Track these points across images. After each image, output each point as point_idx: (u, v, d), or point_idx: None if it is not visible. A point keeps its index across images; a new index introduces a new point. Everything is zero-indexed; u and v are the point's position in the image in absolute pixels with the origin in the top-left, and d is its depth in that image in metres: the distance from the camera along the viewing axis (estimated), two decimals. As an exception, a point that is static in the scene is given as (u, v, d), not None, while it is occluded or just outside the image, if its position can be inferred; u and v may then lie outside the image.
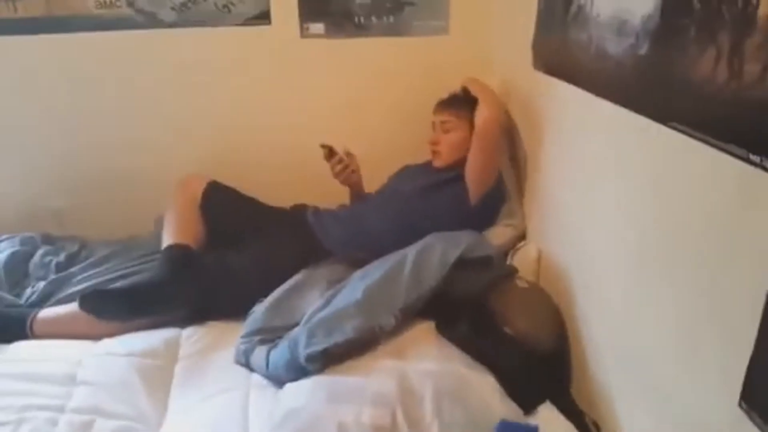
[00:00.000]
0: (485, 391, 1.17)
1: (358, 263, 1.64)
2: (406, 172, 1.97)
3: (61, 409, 1.24)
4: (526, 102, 1.76)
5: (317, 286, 1.57)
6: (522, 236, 1.77)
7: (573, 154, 1.42)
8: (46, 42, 1.94)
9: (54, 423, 1.20)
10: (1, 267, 1.77)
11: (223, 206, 1.85)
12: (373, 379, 1.19)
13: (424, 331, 1.40)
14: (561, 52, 1.43)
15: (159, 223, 1.85)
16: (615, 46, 1.13)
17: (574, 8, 1.34)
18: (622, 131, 1.14)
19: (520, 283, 1.49)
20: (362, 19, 2.02)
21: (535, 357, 1.33)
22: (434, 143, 1.84)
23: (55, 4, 1.92)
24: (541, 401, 1.22)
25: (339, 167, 1.85)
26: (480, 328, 1.38)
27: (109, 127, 2.07)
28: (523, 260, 1.63)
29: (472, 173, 1.72)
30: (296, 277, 1.62)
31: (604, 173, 1.24)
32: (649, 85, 1.02)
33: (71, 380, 1.33)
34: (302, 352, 1.25)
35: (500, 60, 1.98)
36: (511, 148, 1.85)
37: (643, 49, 1.02)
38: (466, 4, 2.02)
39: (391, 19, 2.02)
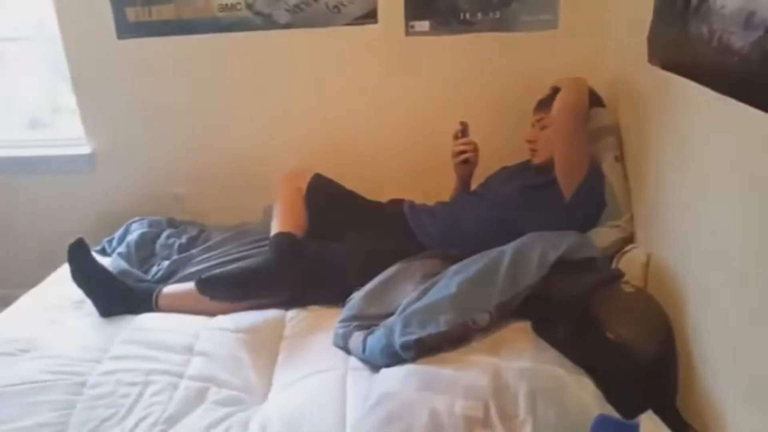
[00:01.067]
0: (583, 394, 1.14)
1: (452, 259, 1.65)
2: (504, 174, 1.95)
3: (180, 375, 1.37)
4: (638, 99, 1.68)
5: (412, 278, 1.60)
6: (630, 239, 1.69)
7: (689, 155, 1.34)
8: (176, 42, 2.13)
9: (175, 387, 1.33)
10: (133, 246, 1.97)
11: (326, 198, 1.94)
12: (467, 372, 1.20)
13: (520, 330, 1.38)
14: (680, 46, 1.35)
15: (268, 213, 1.98)
16: (740, 40, 1.05)
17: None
18: (746, 131, 1.07)
19: (626, 288, 1.43)
20: (468, 15, 2.01)
21: (638, 364, 1.28)
22: (531, 141, 1.82)
23: (184, 8, 2.09)
24: (643, 410, 1.17)
25: (460, 148, 1.87)
26: (581, 332, 1.34)
27: (226, 121, 2.24)
28: (630, 264, 1.56)
29: (558, 165, 1.69)
30: (392, 269, 1.66)
31: (725, 176, 1.16)
32: (778, 81, 0.94)
33: (189, 350, 1.47)
34: (397, 340, 1.29)
35: (612, 55, 1.90)
36: (620, 146, 1.78)
37: (774, 43, 0.95)
38: (576, -3, 1.96)
39: (498, 14, 2.00)
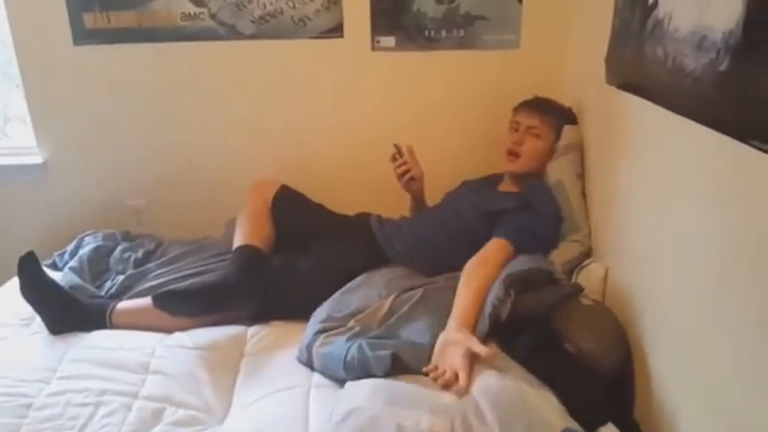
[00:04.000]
0: (546, 409, 1.15)
1: (417, 269, 1.66)
2: (465, 189, 1.96)
3: (135, 396, 1.32)
4: (597, 118, 1.73)
5: (375, 284, 1.61)
6: (588, 253, 1.73)
7: (646, 172, 1.38)
8: (135, 51, 2.08)
9: (128, 408, 1.28)
10: (86, 260, 1.90)
11: (292, 211, 1.92)
12: (432, 389, 1.20)
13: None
14: (636, 67, 1.40)
15: (230, 226, 1.94)
16: (693, 62, 1.10)
17: (650, 22, 1.31)
18: (699, 150, 1.11)
19: (585, 302, 1.46)
20: (433, 33, 2.05)
21: (596, 376, 1.30)
22: (517, 143, 1.81)
23: (145, 16, 2.05)
24: (603, 422, 1.18)
25: (401, 170, 1.88)
26: (542, 345, 1.36)
27: (188, 132, 2.20)
28: (588, 278, 1.60)
29: None
30: (357, 279, 1.66)
31: (681, 193, 1.20)
32: (728, 102, 0.98)
33: (145, 369, 1.41)
34: (370, 352, 1.28)
35: (573, 75, 1.95)
36: (580, 164, 1.82)
37: (723, 66, 0.99)
38: (537, 18, 2.01)
39: (462, 32, 2.04)
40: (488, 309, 1.39)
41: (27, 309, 1.65)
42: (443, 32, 2.04)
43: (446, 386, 1.22)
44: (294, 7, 2.02)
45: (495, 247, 1.61)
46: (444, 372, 1.25)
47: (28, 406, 1.26)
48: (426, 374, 1.27)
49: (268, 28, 2.06)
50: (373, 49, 2.08)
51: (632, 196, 1.47)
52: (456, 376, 1.23)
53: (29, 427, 1.20)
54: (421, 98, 2.13)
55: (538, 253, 1.61)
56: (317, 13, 2.03)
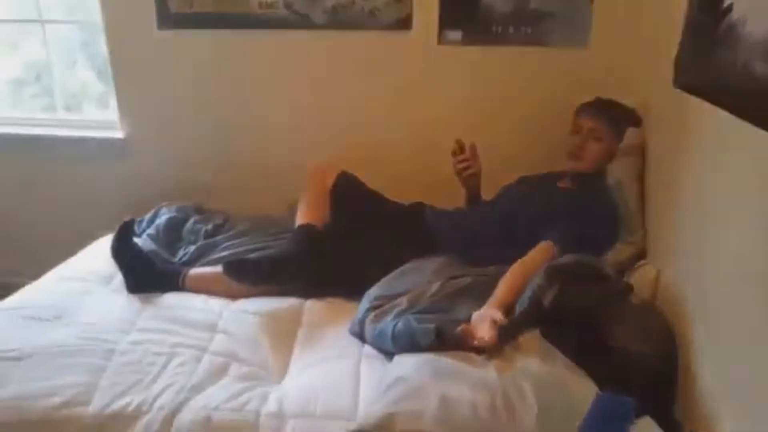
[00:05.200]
0: (586, 394, 1.19)
1: (468, 260, 1.73)
2: (523, 185, 1.99)
3: (204, 350, 1.45)
4: (662, 120, 1.73)
5: (425, 270, 1.69)
6: (641, 255, 1.74)
7: (708, 177, 1.38)
8: (214, 36, 2.21)
9: (198, 360, 1.40)
10: (162, 229, 2.05)
11: (350, 195, 2.01)
12: (477, 366, 1.26)
13: (531, 337, 1.42)
14: (705, 71, 1.39)
15: (292, 206, 2.05)
16: (763, 68, 1.10)
17: (723, 26, 1.31)
18: (765, 157, 1.11)
19: (635, 301, 1.48)
20: (500, 28, 2.07)
21: (641, 374, 1.32)
22: (579, 147, 1.83)
23: (224, 2, 2.17)
24: (640, 415, 1.21)
25: (461, 165, 1.93)
26: (588, 341, 1.39)
27: (258, 115, 2.32)
28: (640, 279, 1.61)
29: None
30: (408, 265, 1.74)
31: (739, 200, 1.20)
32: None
33: (212, 328, 1.54)
34: (416, 325, 1.35)
35: (639, 76, 1.95)
36: (641, 166, 1.82)
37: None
38: (608, 18, 2.01)
39: (530, 29, 2.06)
40: (527, 293, 1.43)
41: (107, 268, 1.82)
42: (511, 28, 2.07)
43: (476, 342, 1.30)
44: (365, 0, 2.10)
45: (543, 249, 1.65)
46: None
47: (112, 351, 1.40)
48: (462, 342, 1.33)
49: (339, 18, 2.14)
50: (440, 42, 2.12)
51: (692, 200, 1.47)
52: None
53: (113, 369, 1.35)
54: (485, 93, 2.17)
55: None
56: (387, 5, 2.10)
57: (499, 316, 1.37)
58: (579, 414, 1.11)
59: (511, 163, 2.07)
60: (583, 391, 1.20)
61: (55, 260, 1.95)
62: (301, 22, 2.16)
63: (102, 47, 2.32)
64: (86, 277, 1.80)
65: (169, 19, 2.20)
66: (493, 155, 2.01)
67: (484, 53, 2.12)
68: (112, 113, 2.42)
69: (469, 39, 2.11)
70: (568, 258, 1.53)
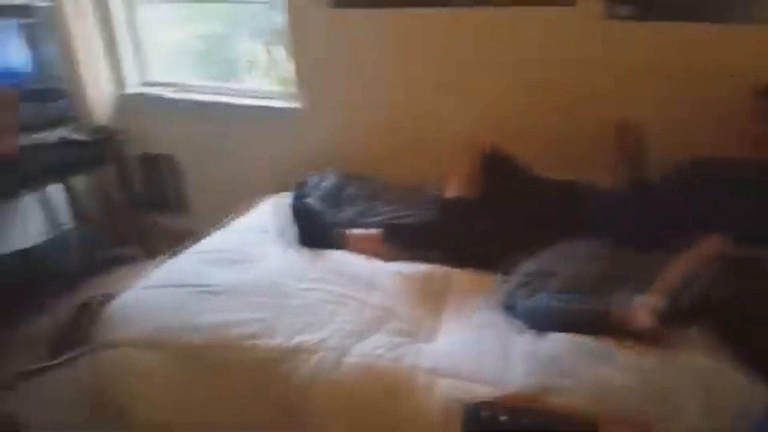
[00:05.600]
0: (757, 400, 1.14)
1: (631, 243, 1.69)
2: (698, 172, 1.85)
3: (364, 302, 1.61)
4: None
5: (584, 250, 1.69)
6: None
7: None
8: (384, 15, 2.35)
9: (361, 310, 1.58)
10: (328, 192, 2.27)
11: (501, 169, 2.05)
12: (638, 355, 1.27)
13: (695, 331, 1.38)
14: None
15: (443, 178, 2.13)
16: None
17: None
18: None
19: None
20: (675, 2, 1.94)
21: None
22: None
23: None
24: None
25: (624, 144, 1.88)
26: (763, 345, 1.31)
27: (417, 91, 2.43)
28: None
29: None
30: (567, 244, 1.75)
31: None
32: None
33: (371, 284, 1.71)
34: (571, 306, 1.39)
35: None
36: None
37: None
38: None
39: (711, 4, 1.91)
40: (696, 285, 1.39)
41: (279, 222, 2.07)
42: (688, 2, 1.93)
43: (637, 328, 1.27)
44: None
45: (715, 241, 1.57)
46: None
47: (290, 295, 1.62)
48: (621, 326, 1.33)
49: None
50: (607, 17, 2.05)
51: None
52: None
53: (290, 311, 1.56)
54: (655, 74, 2.06)
55: None
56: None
57: (663, 304, 1.34)
58: (746, 419, 1.08)
59: (682, 145, 1.94)
60: (755, 396, 1.16)
61: (238, 211, 2.24)
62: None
63: (275, 22, 2.55)
64: (265, 229, 2.07)
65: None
66: (662, 136, 1.92)
67: (656, 30, 2.00)
68: (285, 85, 2.68)
69: (642, 14, 2.00)
70: (744, 253, 1.45)
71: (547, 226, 1.89)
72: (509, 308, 1.59)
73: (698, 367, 1.20)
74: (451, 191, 2.02)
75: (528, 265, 1.68)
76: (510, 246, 1.82)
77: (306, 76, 2.61)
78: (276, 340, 1.45)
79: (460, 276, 1.81)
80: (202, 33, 3.07)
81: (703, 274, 1.40)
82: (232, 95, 2.87)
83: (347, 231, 2.00)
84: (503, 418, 1.13)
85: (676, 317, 1.36)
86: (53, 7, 2.53)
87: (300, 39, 2.55)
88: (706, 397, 1.14)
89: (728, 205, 1.64)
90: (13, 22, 2.33)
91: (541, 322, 1.46)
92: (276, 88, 2.85)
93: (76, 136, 2.62)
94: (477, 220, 1.92)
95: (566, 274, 1.57)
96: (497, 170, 2.05)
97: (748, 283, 1.39)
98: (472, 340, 1.47)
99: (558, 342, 1.33)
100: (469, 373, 1.35)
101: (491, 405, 1.15)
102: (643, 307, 1.34)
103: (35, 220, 2.81)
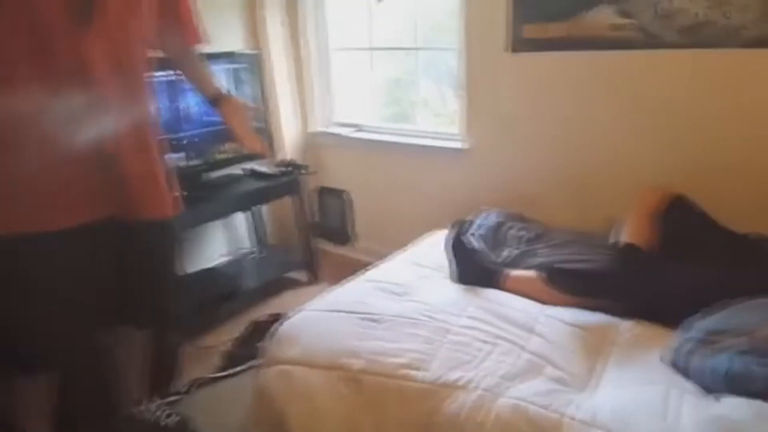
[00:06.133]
0: None
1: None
2: None
3: (522, 348, 1.59)
4: None
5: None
6: None
7: None
8: (556, 58, 2.35)
9: (517, 355, 1.55)
10: (489, 231, 2.28)
11: (683, 220, 1.91)
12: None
13: None
14: None
15: (609, 223, 2.05)
16: None
17: None
18: None
19: None
20: None
21: None
22: None
23: (575, 26, 2.27)
24: None
25: None
26: None
27: (586, 132, 2.39)
28: None
29: None
30: (757, 300, 1.56)
31: None
32: None
33: (530, 330, 1.67)
34: (759, 371, 1.24)
35: None
36: None
37: None
38: None
39: None
40: None
41: (439, 258, 2.11)
42: None
43: None
44: (728, 17, 1.95)
45: None
46: None
47: (447, 330, 1.65)
48: None
49: (695, 37, 2.03)
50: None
51: None
52: None
53: (447, 346, 1.58)
54: None
55: None
56: (755, 22, 1.91)
57: None
58: None
59: None
60: None
61: (398, 245, 2.36)
62: (651, 42, 2.12)
63: (448, 67, 2.68)
64: (426, 264, 2.14)
65: (519, 43, 2.42)
66: None
67: None
68: (445, 124, 2.79)
69: None
70: None
71: (734, 281, 1.71)
72: (683, 368, 1.45)
73: None
74: (626, 238, 1.91)
75: (710, 321, 1.53)
76: (692, 301, 1.67)
77: (476, 119, 2.68)
78: (428, 374, 1.49)
79: (630, 328, 1.71)
80: (386, 77, 3.32)
81: None
82: (404, 135, 3.04)
83: (506, 271, 1.98)
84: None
85: None
86: (257, 55, 2.91)
87: (473, 83, 2.63)
88: None
89: None
90: (222, 67, 2.72)
91: (719, 386, 1.32)
92: (447, 129, 2.96)
93: (263, 169, 2.95)
94: (657, 270, 1.79)
95: (758, 334, 1.39)
96: (681, 218, 1.91)
97: None
98: (633, 396, 1.37)
99: (738, 407, 1.18)
100: (624, 429, 1.26)
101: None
102: None
103: (220, 242, 3.19)
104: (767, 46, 1.91)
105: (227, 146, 2.74)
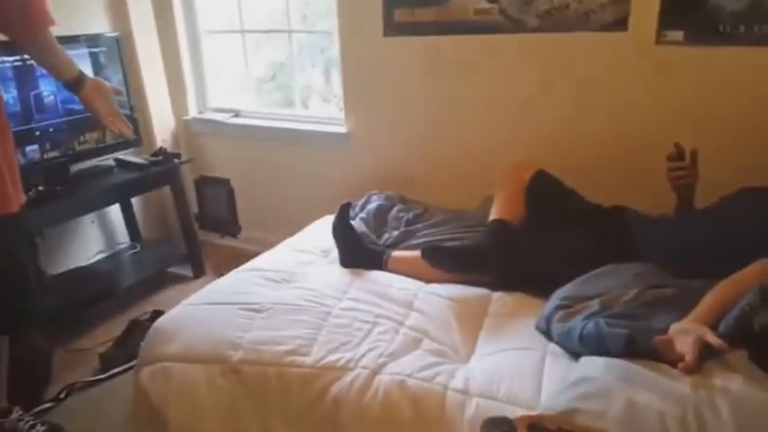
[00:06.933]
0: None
1: (672, 270, 1.65)
2: (744, 198, 1.80)
3: (401, 324, 1.63)
4: None
5: (623, 275, 1.65)
6: None
7: None
8: (430, 41, 2.41)
9: (396, 331, 1.59)
10: (372, 214, 2.31)
11: (546, 194, 2.03)
12: (670, 378, 1.23)
13: (733, 356, 1.34)
14: None
15: (486, 203, 2.14)
16: None
17: None
18: None
19: None
20: (729, 28, 1.92)
21: None
22: None
23: (443, 12, 2.34)
24: None
25: (677, 173, 1.84)
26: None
27: (461, 115, 2.47)
28: None
29: None
30: (605, 267, 1.72)
31: None
32: None
33: (409, 306, 1.72)
34: (606, 330, 1.36)
35: None
36: None
37: None
38: None
39: (765, 28, 1.87)
40: (735, 312, 1.33)
41: (325, 243, 2.12)
42: (742, 27, 1.90)
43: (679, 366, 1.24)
44: (580, 1, 2.10)
45: (758, 268, 1.51)
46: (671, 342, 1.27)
47: (328, 314, 1.66)
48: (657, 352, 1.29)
49: (552, 21, 2.17)
50: (658, 42, 2.04)
51: None
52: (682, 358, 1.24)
53: (328, 329, 1.59)
54: (705, 96, 2.03)
55: None
56: (603, 6, 2.08)
57: (712, 338, 1.26)
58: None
59: (731, 173, 1.90)
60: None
61: (286, 233, 2.33)
62: (513, 26, 2.24)
63: (327, 52, 2.67)
64: (309, 250, 2.12)
65: (390, 27, 2.45)
66: (713, 163, 1.87)
67: (707, 55, 1.98)
68: (334, 109, 2.78)
69: (692, 39, 1.98)
70: None
71: (593, 251, 1.86)
72: (546, 332, 1.56)
73: (734, 394, 1.15)
74: (494, 214, 2.01)
75: (567, 289, 1.66)
76: (554, 270, 1.81)
77: (355, 104, 2.69)
78: (311, 359, 1.48)
79: (501, 299, 1.81)
80: (263, 61, 3.23)
81: (743, 301, 1.34)
82: (285, 120, 2.99)
83: (388, 251, 2.02)
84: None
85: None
86: (119, 37, 2.72)
87: (351, 66, 2.64)
88: (741, 424, 1.09)
89: None
90: (83, 51, 2.52)
91: (575, 346, 1.43)
92: (328, 114, 2.94)
93: (134, 159, 2.78)
94: (522, 244, 1.90)
95: (605, 298, 1.54)
96: (544, 193, 2.03)
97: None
98: (507, 362, 1.46)
99: (592, 365, 1.29)
100: (502, 394, 1.34)
101: (511, 423, 1.12)
102: (684, 336, 1.29)
103: (93, 238, 2.98)
104: (615, 30, 2.08)
105: (88, 136, 2.55)
